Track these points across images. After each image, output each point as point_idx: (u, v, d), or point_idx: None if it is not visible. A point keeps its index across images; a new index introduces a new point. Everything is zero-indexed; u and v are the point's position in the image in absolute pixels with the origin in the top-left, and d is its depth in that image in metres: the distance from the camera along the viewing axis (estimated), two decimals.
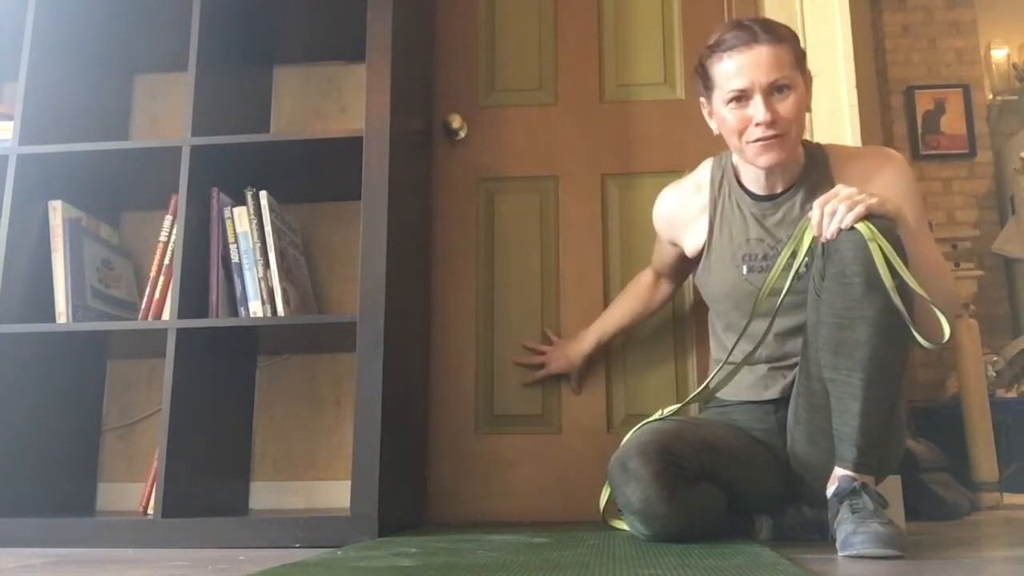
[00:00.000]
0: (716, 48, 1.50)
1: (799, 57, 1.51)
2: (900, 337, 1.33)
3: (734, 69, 1.47)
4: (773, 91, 1.46)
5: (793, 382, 1.55)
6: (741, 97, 1.47)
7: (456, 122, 2.21)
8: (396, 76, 1.84)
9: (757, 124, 1.46)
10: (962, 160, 4.48)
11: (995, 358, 3.49)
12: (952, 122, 4.48)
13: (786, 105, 1.47)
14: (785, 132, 1.48)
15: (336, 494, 2.07)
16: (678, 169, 2.09)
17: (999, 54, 4.96)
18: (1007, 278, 4.36)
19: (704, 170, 1.70)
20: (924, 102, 4.49)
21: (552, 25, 2.30)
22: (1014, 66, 4.89)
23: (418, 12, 2.15)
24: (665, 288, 1.94)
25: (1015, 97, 4.75)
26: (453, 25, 2.31)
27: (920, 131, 4.48)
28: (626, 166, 2.19)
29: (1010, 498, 2.82)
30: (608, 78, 2.25)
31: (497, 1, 2.33)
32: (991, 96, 4.77)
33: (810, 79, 1.55)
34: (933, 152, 4.47)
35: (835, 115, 2.05)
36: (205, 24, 1.91)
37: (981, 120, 4.52)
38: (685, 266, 1.82)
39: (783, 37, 1.48)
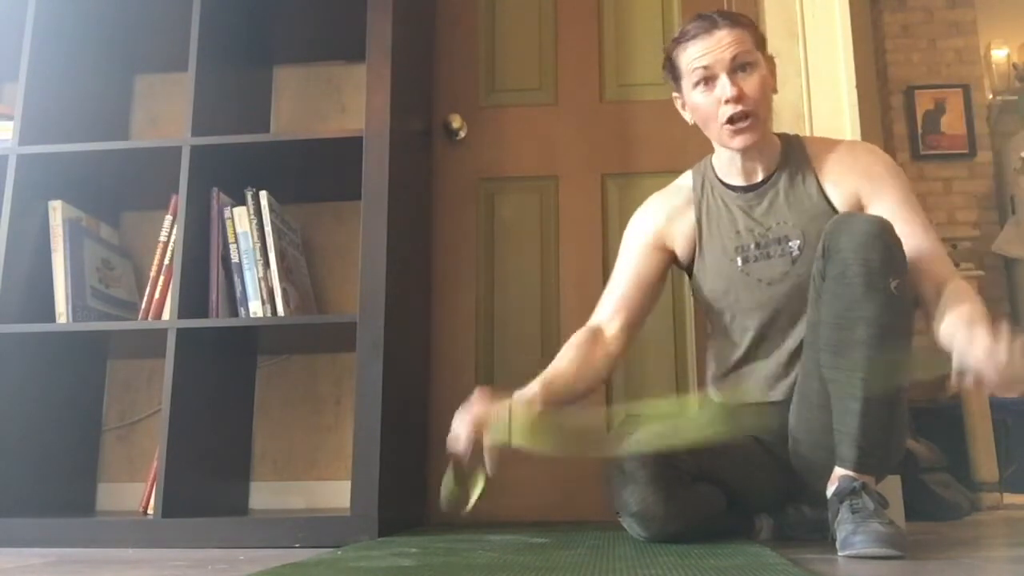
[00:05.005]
0: (679, 40, 1.54)
1: (759, 41, 1.55)
2: (900, 337, 1.33)
3: (697, 53, 1.50)
4: (737, 69, 1.49)
5: (796, 383, 1.55)
6: (707, 79, 1.50)
7: (456, 122, 2.21)
8: (396, 76, 1.84)
9: (726, 101, 1.49)
10: (962, 160, 4.47)
11: None
12: (952, 122, 4.48)
13: (750, 83, 1.49)
14: (753, 110, 1.49)
15: (336, 494, 2.07)
16: (678, 169, 2.06)
17: (999, 54, 4.96)
18: (1007, 278, 4.36)
19: (684, 177, 1.71)
20: (924, 102, 4.49)
21: (552, 25, 2.30)
22: (1014, 66, 4.89)
23: (418, 12, 2.15)
24: (612, 339, 1.60)
25: (1015, 97, 4.75)
26: (453, 25, 2.31)
27: (920, 131, 4.47)
28: (626, 166, 2.19)
29: (1010, 498, 2.82)
30: (608, 78, 2.25)
31: (497, 1, 2.33)
32: (991, 96, 4.77)
33: (773, 64, 1.58)
34: (933, 152, 4.46)
35: (835, 115, 2.05)
36: (205, 24, 1.91)
37: (981, 120, 4.51)
38: (658, 285, 1.68)
39: (741, 22, 1.53)
